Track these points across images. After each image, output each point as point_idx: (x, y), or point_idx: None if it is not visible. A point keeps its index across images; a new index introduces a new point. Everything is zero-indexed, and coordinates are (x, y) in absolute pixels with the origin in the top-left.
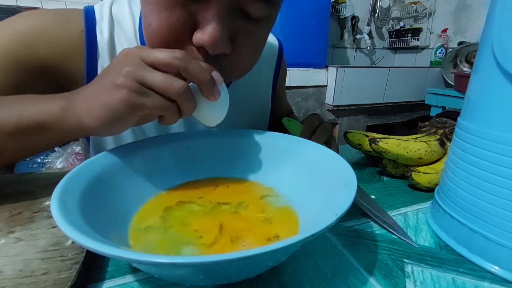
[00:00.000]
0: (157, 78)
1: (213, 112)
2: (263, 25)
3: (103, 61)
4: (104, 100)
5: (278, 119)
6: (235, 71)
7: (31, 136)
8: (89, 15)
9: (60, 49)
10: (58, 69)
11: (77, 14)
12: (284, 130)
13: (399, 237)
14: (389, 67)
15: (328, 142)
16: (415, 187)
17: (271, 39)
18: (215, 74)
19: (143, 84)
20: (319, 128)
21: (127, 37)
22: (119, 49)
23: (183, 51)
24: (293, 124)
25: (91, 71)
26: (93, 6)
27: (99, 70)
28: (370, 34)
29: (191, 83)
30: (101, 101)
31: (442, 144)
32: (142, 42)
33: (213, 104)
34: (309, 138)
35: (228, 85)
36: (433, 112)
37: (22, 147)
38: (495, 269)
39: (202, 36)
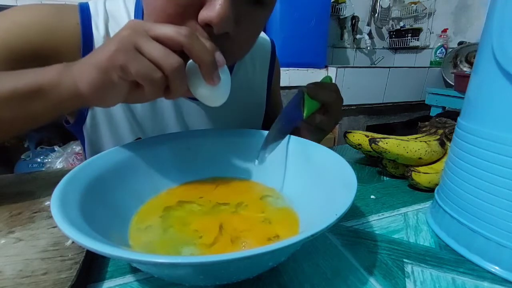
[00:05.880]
0: (154, 48)
1: (213, 93)
2: (267, 9)
3: None
4: (95, 61)
5: (271, 119)
6: (235, 53)
7: (28, 101)
8: (84, 9)
9: (55, 39)
10: (54, 59)
11: (72, 8)
12: None
13: None
14: (389, 67)
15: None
16: (415, 187)
17: (263, 37)
18: (218, 55)
19: (138, 49)
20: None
21: None
22: None
23: (189, 28)
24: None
25: None
26: (87, 2)
27: None
28: (370, 34)
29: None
30: (93, 62)
31: (442, 144)
32: None
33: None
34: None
35: (230, 69)
36: (433, 112)
37: (18, 114)
38: (495, 269)
39: (209, 13)
